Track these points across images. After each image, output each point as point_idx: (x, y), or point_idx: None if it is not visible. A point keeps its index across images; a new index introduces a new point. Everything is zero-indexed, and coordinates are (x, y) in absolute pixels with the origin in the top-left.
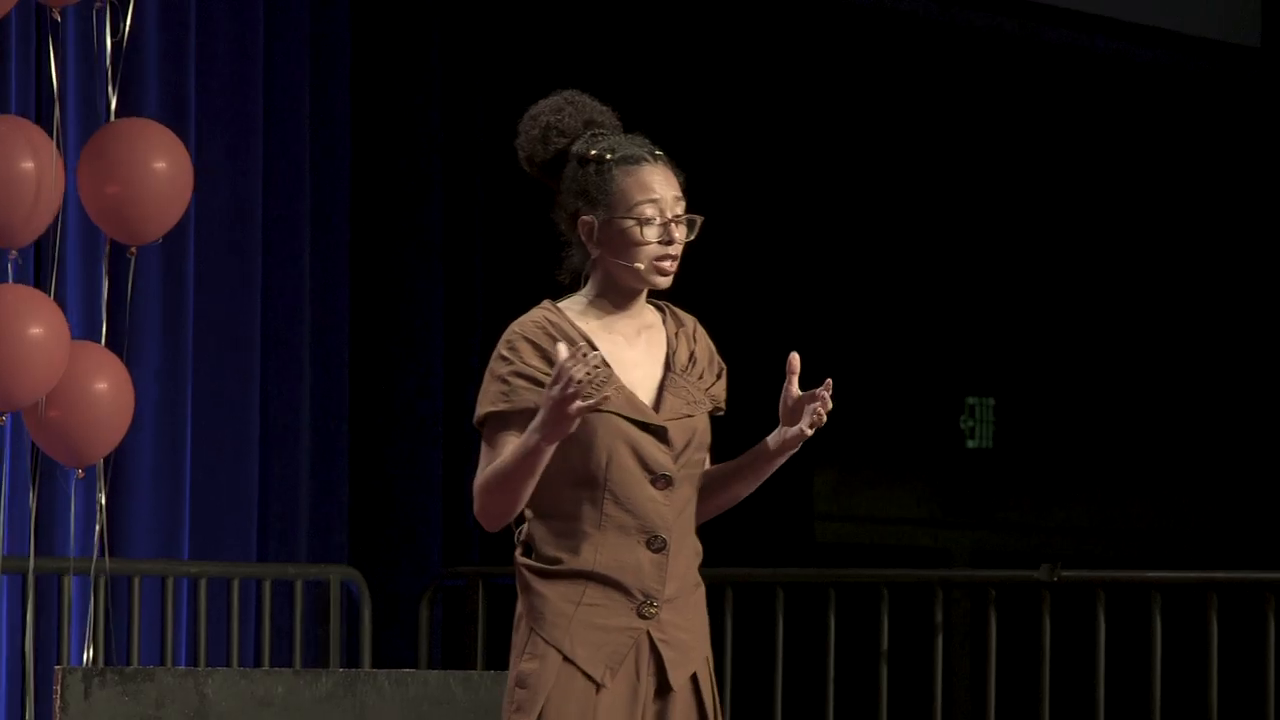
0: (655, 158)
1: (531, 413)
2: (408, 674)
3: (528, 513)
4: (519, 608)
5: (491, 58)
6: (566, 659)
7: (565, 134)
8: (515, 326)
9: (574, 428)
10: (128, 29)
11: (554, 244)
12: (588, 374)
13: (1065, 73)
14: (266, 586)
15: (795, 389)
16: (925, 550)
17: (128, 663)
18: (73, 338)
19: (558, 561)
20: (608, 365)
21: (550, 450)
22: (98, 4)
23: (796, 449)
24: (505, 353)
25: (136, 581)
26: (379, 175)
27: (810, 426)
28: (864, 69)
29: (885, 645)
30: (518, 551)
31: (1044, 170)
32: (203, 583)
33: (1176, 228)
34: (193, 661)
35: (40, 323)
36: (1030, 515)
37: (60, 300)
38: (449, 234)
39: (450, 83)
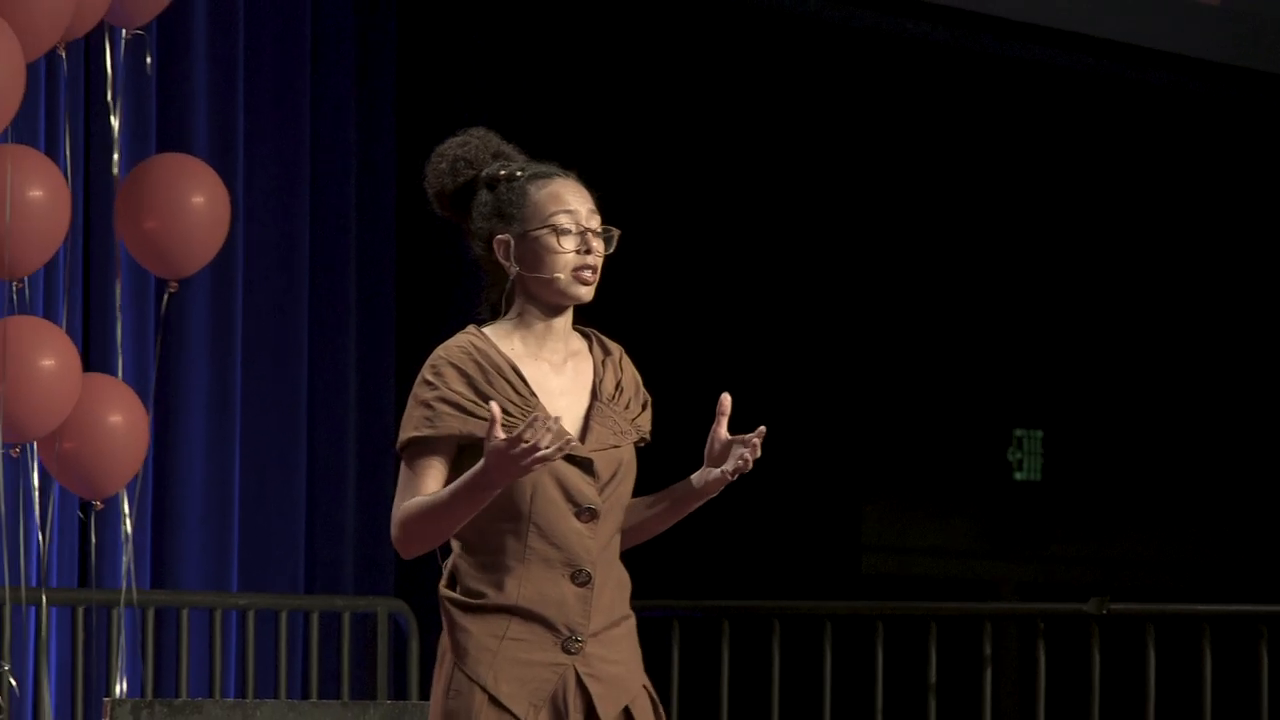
0: (566, 173)
1: (454, 440)
2: None
3: (454, 544)
4: (442, 642)
5: (537, 93)
6: (490, 696)
7: (473, 165)
8: (440, 351)
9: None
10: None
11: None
12: (550, 445)
13: (1104, 101)
14: (314, 619)
15: (724, 431)
16: (973, 583)
17: (176, 695)
18: (92, 370)
19: (481, 595)
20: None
21: (494, 494)
22: (125, 34)
23: (717, 493)
24: (430, 378)
25: (185, 614)
26: (424, 209)
27: (734, 472)
28: (902, 97)
29: (933, 679)
30: (442, 583)
31: (1093, 201)
32: (251, 615)
33: (1227, 259)
34: (240, 694)
35: (51, 354)
36: (1079, 548)
37: (83, 333)
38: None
39: (496, 117)
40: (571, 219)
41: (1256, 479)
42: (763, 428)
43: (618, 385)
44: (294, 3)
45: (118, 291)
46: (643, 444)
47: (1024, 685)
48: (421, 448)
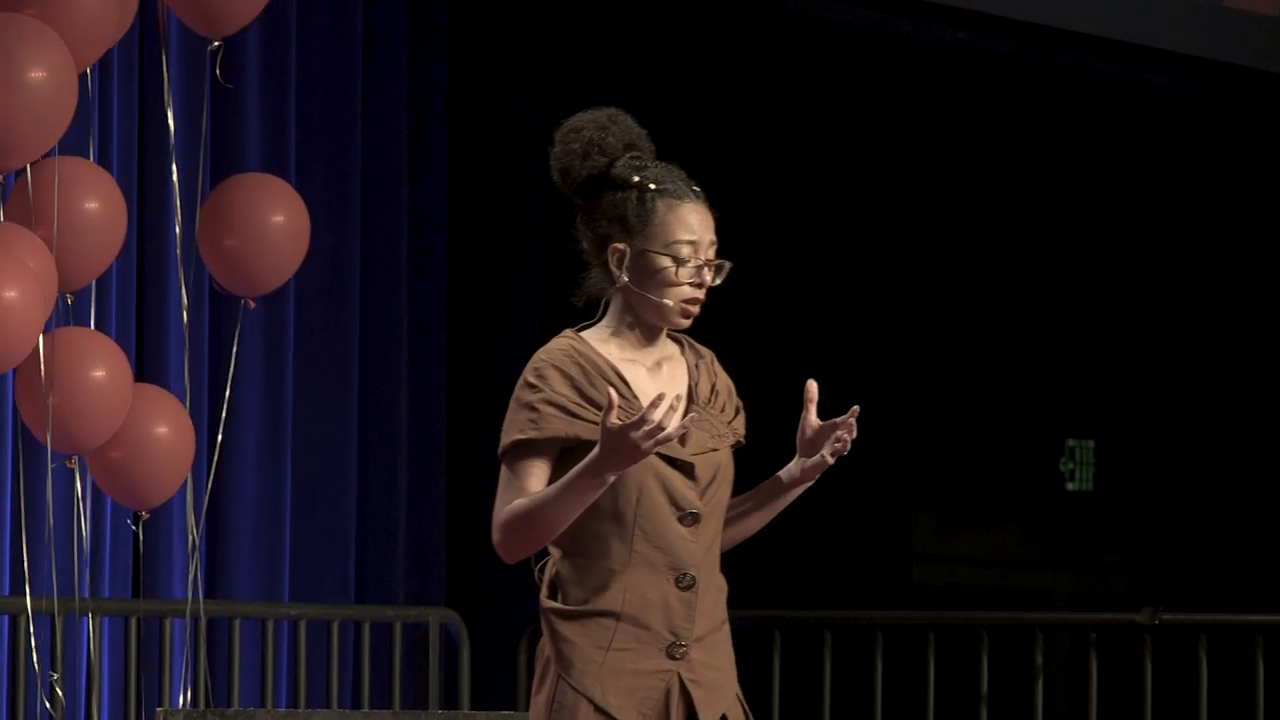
0: (696, 195)
1: (560, 441)
2: (507, 716)
3: (554, 551)
4: (545, 651)
5: (587, 94)
6: (598, 708)
7: (606, 153)
8: (541, 354)
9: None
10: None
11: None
12: (678, 425)
13: (1156, 111)
14: (366, 628)
15: (814, 418)
16: (1025, 592)
17: (228, 705)
18: (144, 381)
19: (584, 601)
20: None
21: (604, 487)
22: (213, 45)
23: (814, 480)
24: (533, 380)
25: (237, 624)
26: (476, 222)
27: (833, 455)
28: (961, 104)
29: (985, 689)
30: (543, 593)
31: (1146, 211)
32: (303, 625)
33: (1274, 268)
34: (293, 704)
35: (103, 365)
36: (1131, 557)
37: (136, 345)
38: (545, 282)
39: (547, 132)
40: (692, 249)
41: None
42: (856, 407)
43: (713, 389)
44: (346, 17)
45: (184, 304)
46: (738, 447)
47: (1076, 695)
48: (524, 451)
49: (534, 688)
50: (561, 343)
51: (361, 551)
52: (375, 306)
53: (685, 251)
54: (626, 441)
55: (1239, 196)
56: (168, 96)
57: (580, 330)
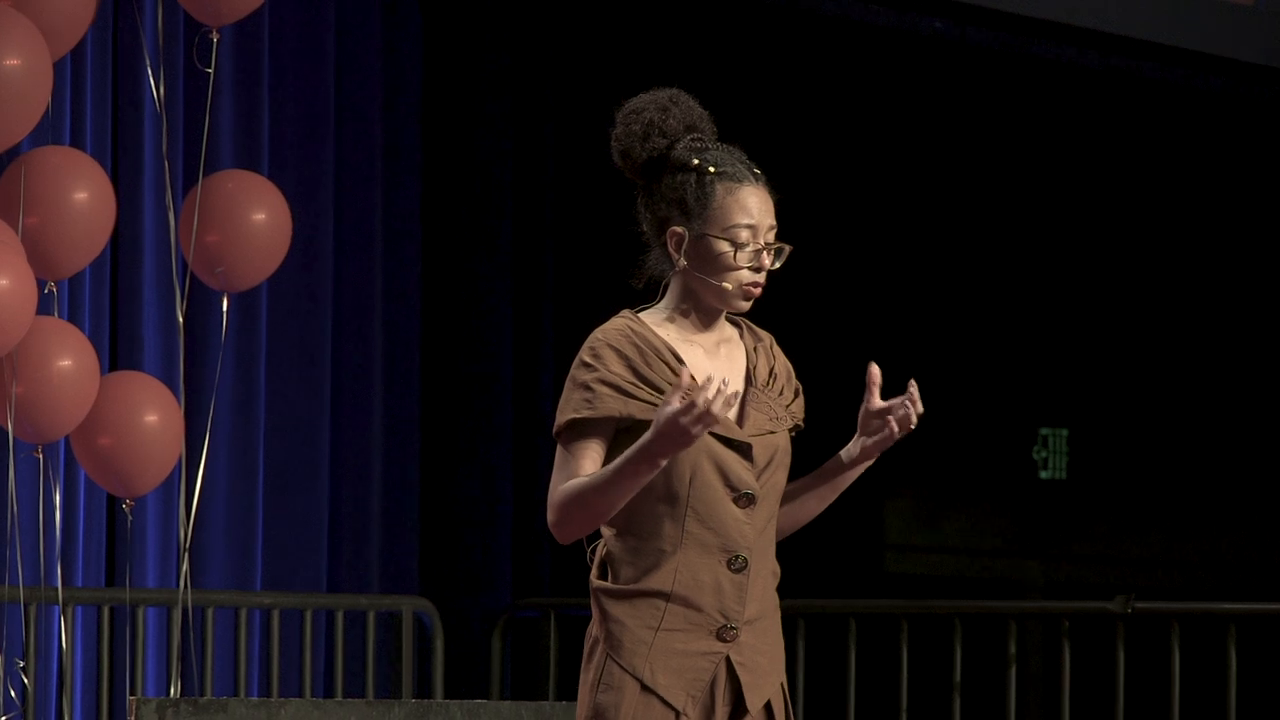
0: (756, 178)
1: (614, 421)
2: (480, 705)
3: (605, 530)
4: (594, 631)
5: (562, 89)
6: (646, 687)
7: (667, 135)
8: (598, 334)
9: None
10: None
11: (621, 272)
12: (720, 407)
13: (1136, 102)
14: (339, 617)
15: (877, 400)
16: (998, 581)
17: (201, 693)
18: (133, 372)
19: (635, 581)
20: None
21: (657, 470)
22: (215, 35)
23: (874, 459)
24: (589, 359)
25: (210, 612)
26: (451, 204)
27: (901, 431)
28: (933, 98)
29: (958, 677)
30: (594, 573)
31: (1119, 200)
32: (276, 614)
33: (1256, 258)
34: (265, 692)
35: (69, 356)
36: (1104, 546)
37: (135, 334)
38: (519, 271)
39: (518, 117)
40: (751, 233)
41: None
42: (913, 381)
43: (771, 372)
44: (319, 12)
45: (179, 296)
46: (796, 431)
47: (1049, 684)
48: (580, 430)
49: (584, 668)
50: (619, 323)
51: (335, 540)
52: (349, 296)
53: (744, 235)
54: (676, 425)
55: (1210, 186)
56: (158, 93)
57: (639, 311)
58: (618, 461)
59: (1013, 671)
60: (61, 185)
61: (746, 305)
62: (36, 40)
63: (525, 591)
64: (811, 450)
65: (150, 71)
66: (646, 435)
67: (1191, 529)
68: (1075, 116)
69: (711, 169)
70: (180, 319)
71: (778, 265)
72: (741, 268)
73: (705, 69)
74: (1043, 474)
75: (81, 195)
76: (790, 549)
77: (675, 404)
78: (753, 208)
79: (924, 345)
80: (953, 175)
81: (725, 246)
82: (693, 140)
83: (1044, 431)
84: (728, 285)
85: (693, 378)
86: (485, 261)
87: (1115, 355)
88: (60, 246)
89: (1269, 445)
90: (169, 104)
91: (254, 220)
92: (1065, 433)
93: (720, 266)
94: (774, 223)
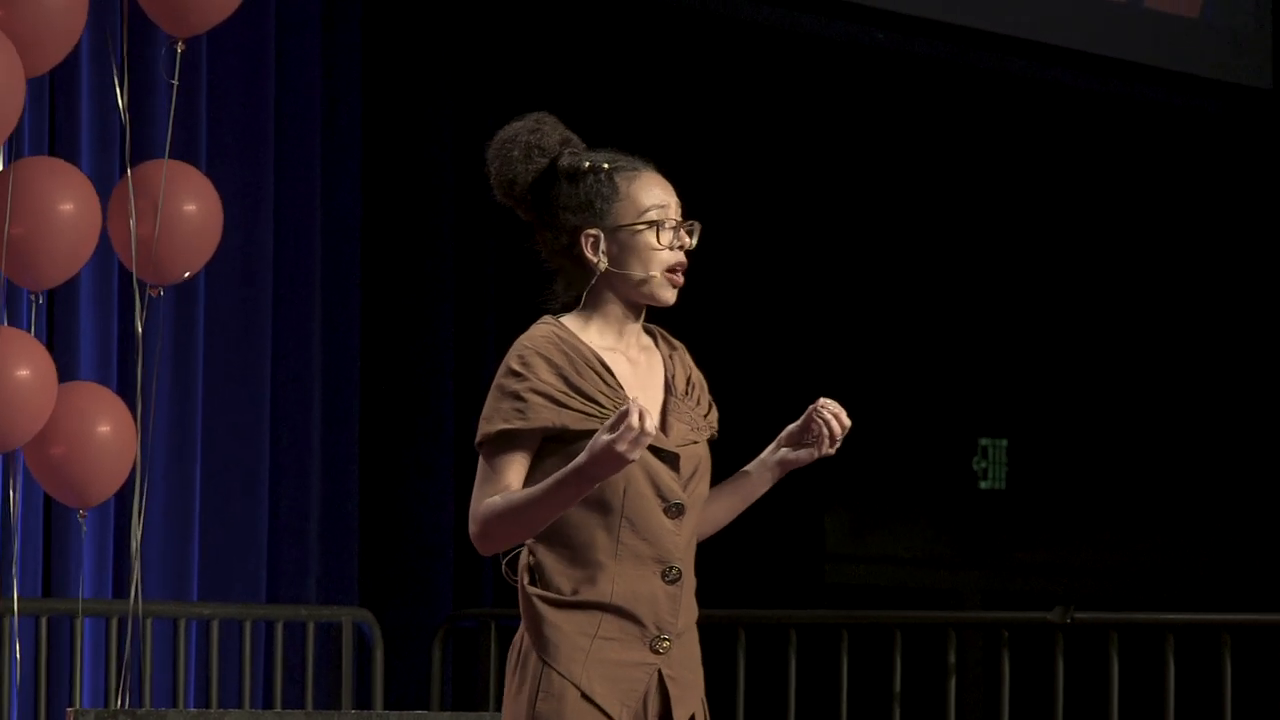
0: (649, 164)
1: (543, 432)
2: (420, 715)
3: (530, 541)
4: (523, 639)
5: (507, 98)
6: (584, 695)
7: (546, 152)
8: (525, 341)
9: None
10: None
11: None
12: (650, 427)
13: (1078, 114)
14: (279, 628)
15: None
16: (937, 592)
17: (140, 704)
18: (82, 379)
19: (573, 592)
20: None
21: (592, 489)
22: (180, 46)
23: (783, 474)
24: (518, 368)
25: (148, 623)
26: (392, 210)
27: (833, 447)
28: (878, 107)
29: (898, 687)
30: (524, 579)
31: (1057, 212)
32: (215, 624)
33: (1191, 269)
34: (204, 703)
35: (27, 365)
36: (1043, 557)
37: (72, 341)
38: (460, 276)
39: (462, 115)
40: (664, 213)
41: (1221, 488)
42: (825, 401)
43: (689, 381)
44: (259, 9)
45: (140, 303)
46: (712, 440)
47: (988, 694)
48: (508, 441)
49: (511, 675)
50: (544, 330)
51: (273, 549)
52: (287, 301)
53: (658, 214)
54: (612, 452)
55: (1150, 196)
56: (123, 101)
57: (559, 317)
58: (550, 481)
59: (953, 681)
60: (48, 196)
61: (672, 295)
62: (11, 56)
63: (465, 602)
64: (730, 460)
65: (118, 84)
66: (582, 458)
67: (1130, 540)
68: (1018, 128)
69: (606, 165)
70: (139, 328)
71: (694, 243)
72: (663, 248)
73: (654, 81)
74: (982, 484)
75: (68, 206)
76: (730, 559)
77: (604, 435)
78: (658, 190)
79: (865, 355)
80: (893, 186)
81: (643, 230)
82: (571, 151)
83: (983, 442)
84: (654, 274)
85: (607, 384)
86: (428, 268)
87: (1054, 365)
88: (45, 257)
89: (1208, 454)
90: (102, 106)
91: (184, 210)
92: (1004, 443)
93: (642, 253)
94: (679, 203)
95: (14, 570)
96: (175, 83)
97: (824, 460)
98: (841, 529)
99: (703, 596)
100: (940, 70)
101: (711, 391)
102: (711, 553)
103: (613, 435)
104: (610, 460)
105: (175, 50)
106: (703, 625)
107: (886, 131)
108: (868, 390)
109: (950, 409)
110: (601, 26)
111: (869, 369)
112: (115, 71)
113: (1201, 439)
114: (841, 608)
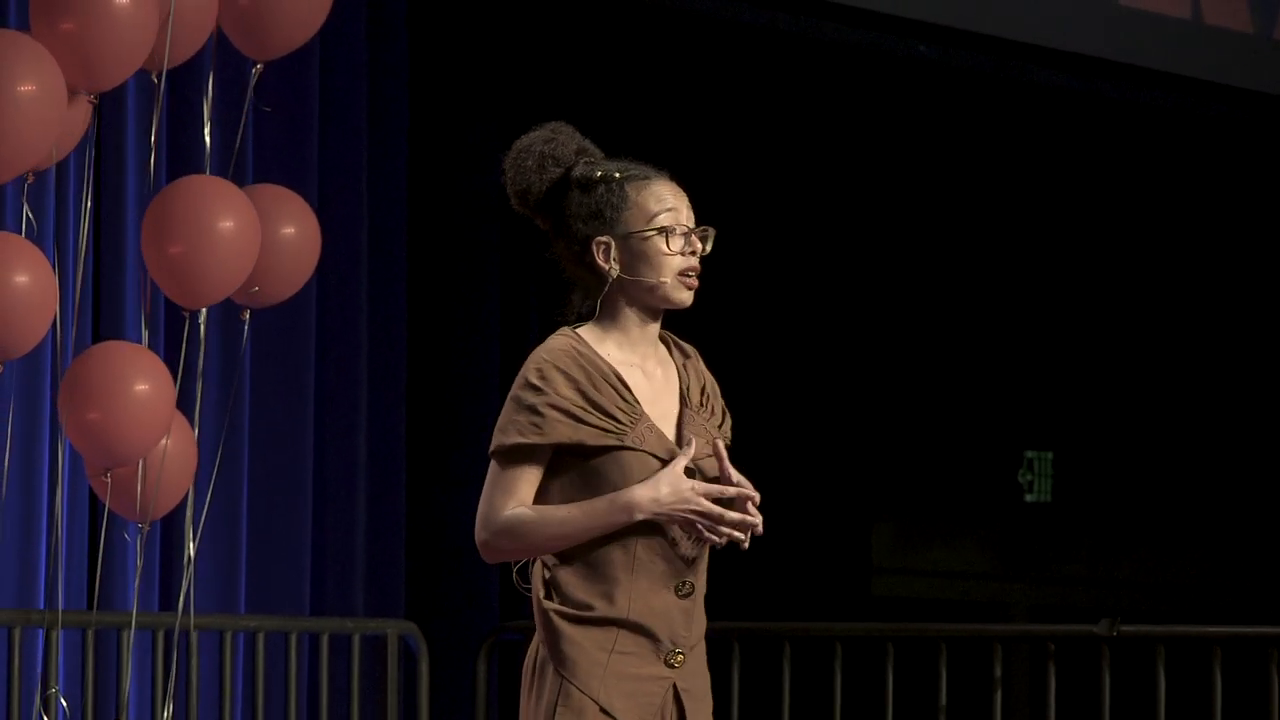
0: (660, 172)
1: (560, 447)
2: None
3: (547, 556)
4: (539, 653)
5: (550, 109)
6: (603, 709)
7: (560, 162)
8: (543, 354)
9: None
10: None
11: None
12: (745, 535)
13: (1131, 128)
14: (324, 641)
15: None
16: (983, 605)
17: (186, 718)
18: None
19: (590, 607)
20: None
21: (632, 520)
22: (257, 69)
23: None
24: (535, 381)
25: (194, 636)
26: (436, 233)
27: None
28: (920, 121)
29: (944, 700)
30: (539, 594)
31: (1103, 225)
32: (260, 637)
33: (1245, 282)
34: (250, 716)
35: (146, 379)
36: (1089, 569)
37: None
38: (506, 292)
39: (505, 129)
40: (674, 218)
41: (1267, 501)
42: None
43: (703, 391)
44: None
45: (203, 318)
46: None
47: (1034, 707)
48: (522, 454)
49: (529, 688)
50: (562, 342)
51: (319, 563)
52: (333, 318)
53: (668, 219)
54: (688, 506)
55: (1194, 210)
56: (207, 127)
57: (577, 328)
58: (591, 506)
59: (998, 694)
60: (208, 214)
61: (687, 297)
62: (54, 72)
63: (511, 614)
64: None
65: (206, 109)
66: (641, 491)
67: (1177, 552)
68: (1057, 140)
69: (617, 174)
70: (201, 340)
71: (708, 249)
72: (675, 254)
73: (693, 92)
74: (1028, 497)
75: (228, 224)
76: (777, 572)
77: (703, 501)
78: (668, 196)
79: (911, 369)
80: (937, 199)
81: (654, 236)
82: (586, 160)
83: (1029, 454)
84: (665, 279)
85: (623, 399)
86: (474, 284)
87: (1100, 378)
88: (203, 275)
89: (1253, 468)
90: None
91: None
92: (1050, 456)
93: (653, 259)
94: (691, 209)
95: (58, 584)
96: (257, 106)
97: (871, 473)
98: (888, 542)
99: (749, 610)
100: (983, 82)
101: (757, 408)
102: (758, 565)
103: (705, 509)
104: (679, 517)
105: (251, 73)
106: (747, 638)
107: (936, 143)
108: (915, 404)
109: (996, 422)
110: (649, 37)
111: (916, 382)
112: (206, 97)
113: (1248, 451)
114: (887, 620)
